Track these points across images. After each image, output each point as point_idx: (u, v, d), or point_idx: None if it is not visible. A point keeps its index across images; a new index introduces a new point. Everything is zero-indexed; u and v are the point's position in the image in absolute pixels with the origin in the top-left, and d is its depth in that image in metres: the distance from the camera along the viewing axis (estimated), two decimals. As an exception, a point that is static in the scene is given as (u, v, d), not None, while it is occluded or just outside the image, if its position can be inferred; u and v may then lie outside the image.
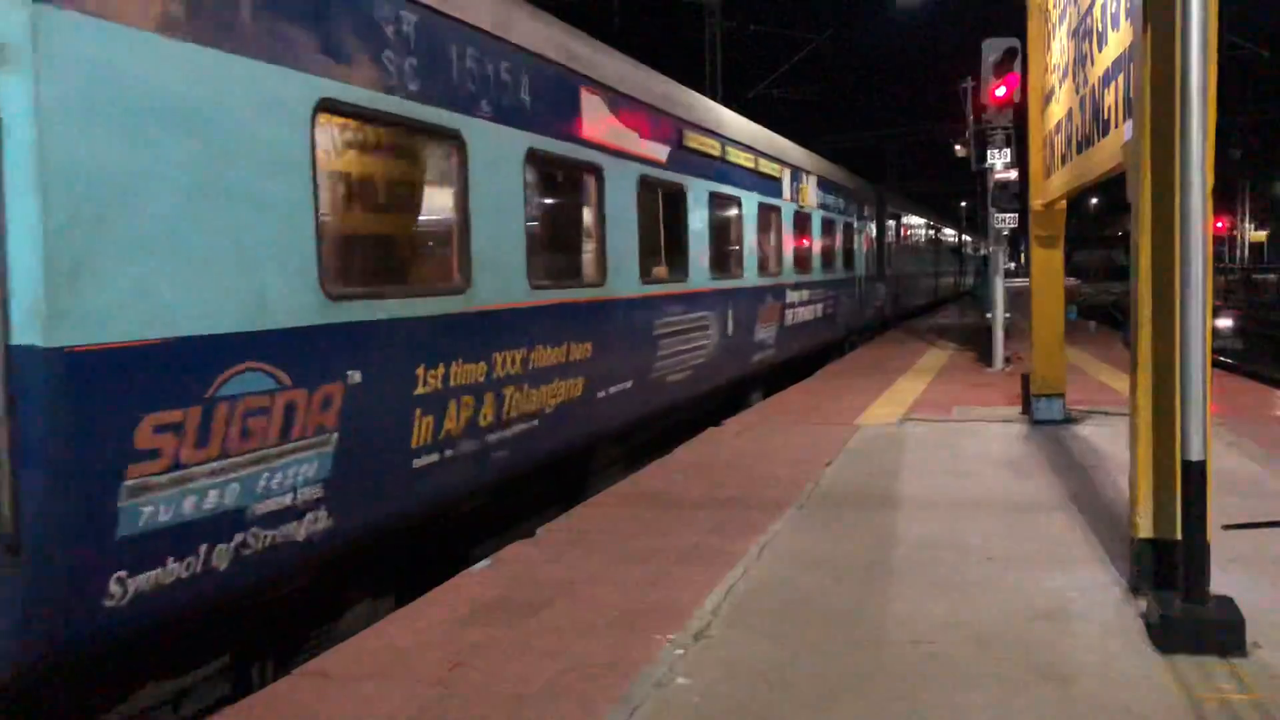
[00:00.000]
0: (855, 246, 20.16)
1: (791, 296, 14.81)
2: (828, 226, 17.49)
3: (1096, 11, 6.03)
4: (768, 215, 13.53)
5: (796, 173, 15.14)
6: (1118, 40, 5.39)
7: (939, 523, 6.31)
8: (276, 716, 3.81)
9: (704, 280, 10.75)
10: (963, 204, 66.09)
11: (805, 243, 15.90)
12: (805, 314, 15.68)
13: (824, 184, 17.17)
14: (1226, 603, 4.31)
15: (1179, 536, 4.43)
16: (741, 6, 29.99)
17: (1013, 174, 14.74)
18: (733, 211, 12.10)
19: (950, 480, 7.54)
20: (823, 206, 16.92)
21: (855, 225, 20.16)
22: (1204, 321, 4.22)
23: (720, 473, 8.00)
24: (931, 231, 36.41)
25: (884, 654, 4.26)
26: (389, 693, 3.98)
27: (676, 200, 10.09)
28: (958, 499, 6.94)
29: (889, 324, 25.00)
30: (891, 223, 25.13)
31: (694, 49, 28.25)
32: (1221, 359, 19.85)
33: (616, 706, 3.80)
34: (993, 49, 13.01)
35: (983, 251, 54.77)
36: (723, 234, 11.68)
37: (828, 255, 17.53)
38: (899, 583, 5.17)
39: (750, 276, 12.58)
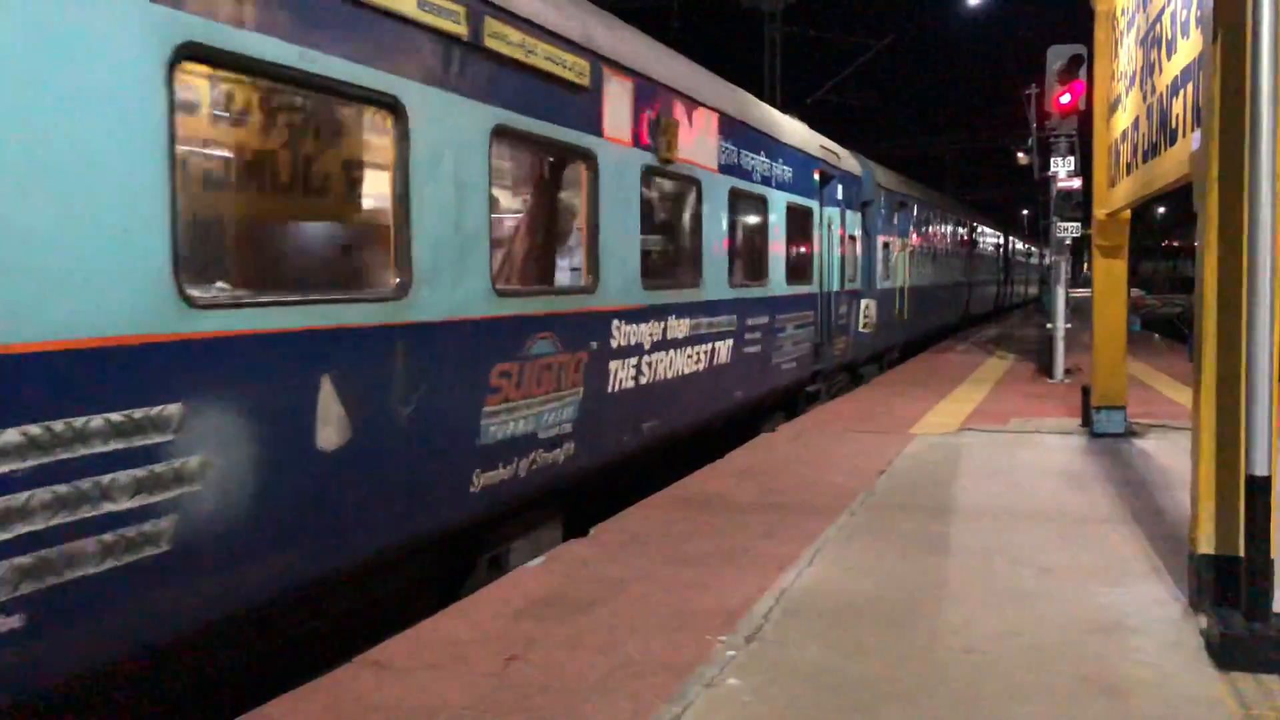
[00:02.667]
0: (821, 246, 13.16)
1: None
2: (746, 210, 10.44)
3: (1165, 19, 5.94)
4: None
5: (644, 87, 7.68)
6: (1187, 48, 5.31)
7: (994, 533, 6.26)
8: (337, 703, 3.92)
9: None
10: (1024, 212, 65.09)
11: (671, 235, 9.12)
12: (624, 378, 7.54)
13: (736, 131, 9.83)
14: (1290, 621, 4.23)
15: (1241, 553, 4.36)
16: (801, 12, 29.82)
17: (1076, 182, 14.52)
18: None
19: (1006, 491, 7.47)
20: (730, 171, 9.66)
21: (820, 215, 13.15)
22: (1271, 335, 4.15)
23: (772, 478, 8.00)
24: (959, 229, 28.59)
25: (936, 662, 4.25)
26: (446, 683, 4.07)
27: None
28: (1014, 510, 6.88)
29: (883, 360, 17.94)
30: (891, 214, 18.25)
31: (753, 55, 28.23)
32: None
33: (668, 704, 3.85)
34: (1058, 56, 12.83)
35: (1034, 257, 52.99)
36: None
37: (752, 257, 10.75)
38: (952, 591, 5.15)
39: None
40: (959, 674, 4.13)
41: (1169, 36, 5.84)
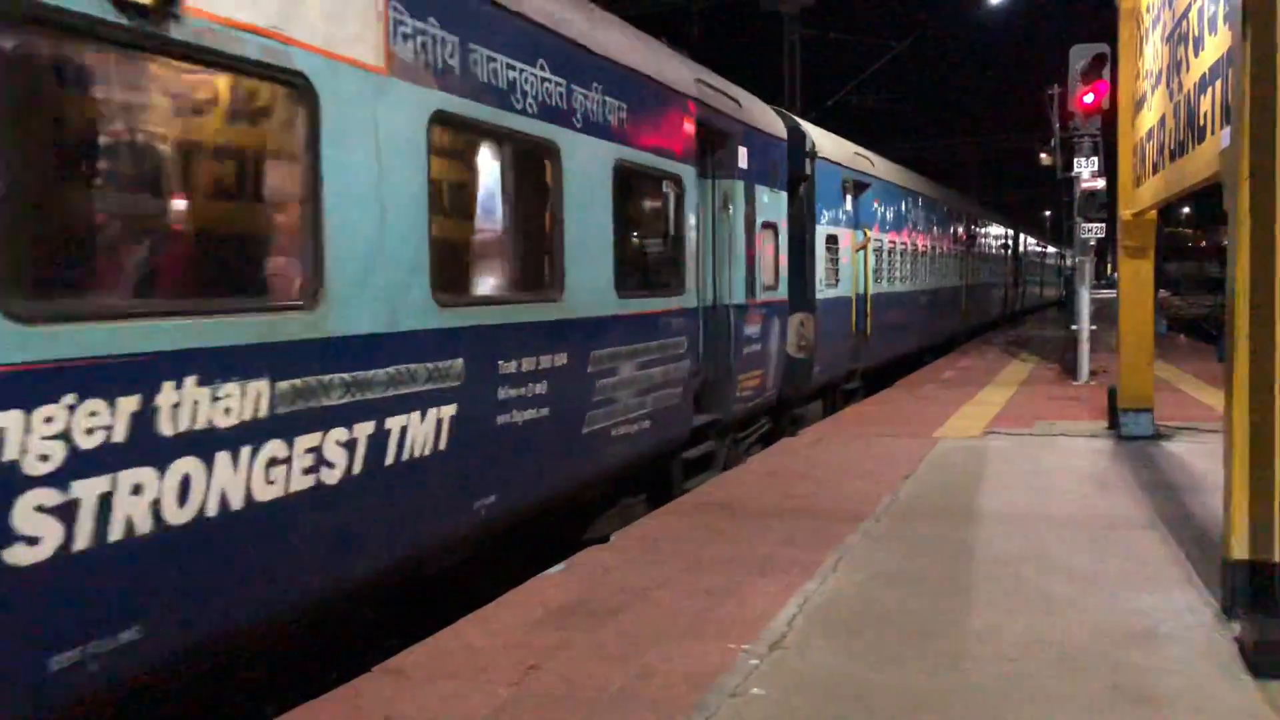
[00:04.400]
0: (699, 236, 8.81)
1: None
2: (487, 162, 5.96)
3: (1193, 16, 5.85)
4: None
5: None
6: (1215, 45, 5.22)
7: (1021, 538, 6.17)
8: (355, 712, 3.89)
9: None
10: (1046, 213, 64.59)
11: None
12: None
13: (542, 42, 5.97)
14: (1327, 629, 4.13)
15: (1277, 558, 4.26)
16: (821, 14, 29.71)
17: (1100, 183, 14.35)
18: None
19: (1032, 495, 7.37)
20: (431, 75, 5.00)
21: (700, 189, 9.00)
22: (1306, 336, 4.06)
23: (794, 483, 7.93)
24: (954, 224, 23.03)
25: (964, 670, 4.18)
26: (466, 692, 4.04)
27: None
28: (1040, 514, 6.78)
29: (833, 394, 13.58)
30: (841, 198, 13.76)
31: (773, 57, 28.15)
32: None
33: (691, 715, 3.79)
34: (1081, 55, 12.70)
35: (1049, 257, 51.32)
36: None
37: (518, 249, 6.24)
38: (979, 598, 5.07)
39: None
40: (987, 683, 4.05)
41: (1196, 33, 5.75)
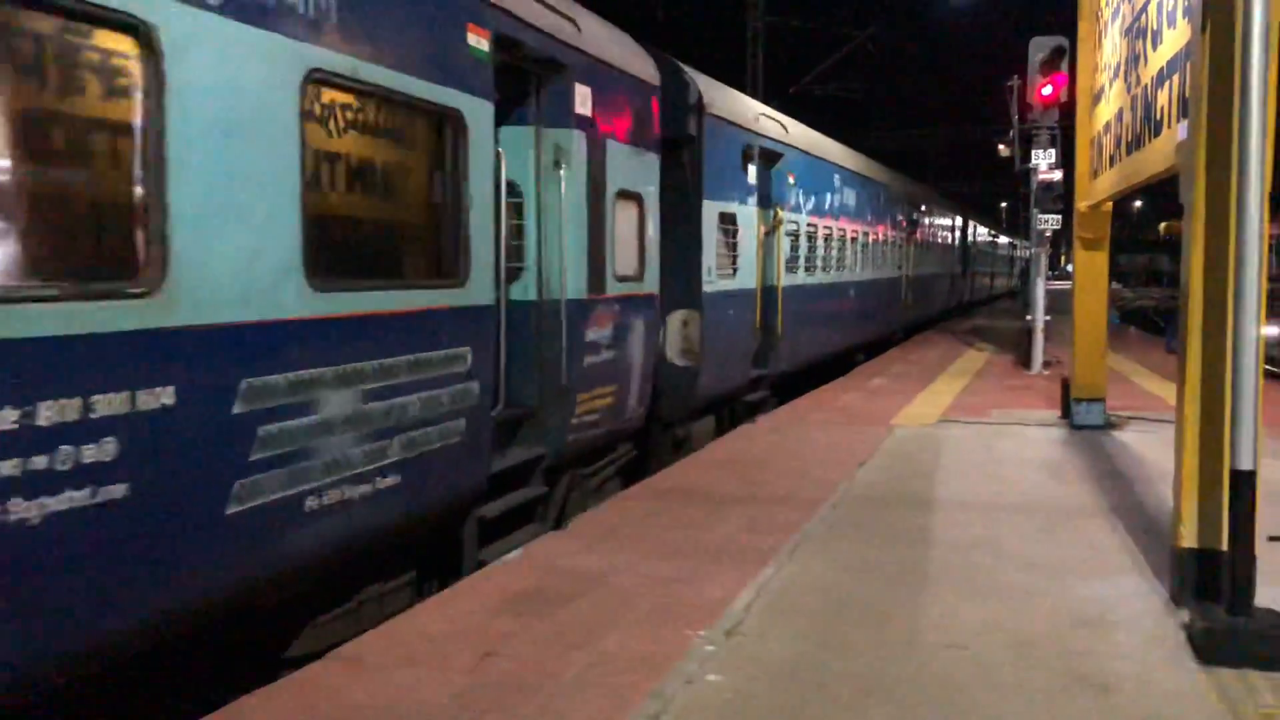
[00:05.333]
0: (475, 201, 5.84)
1: None
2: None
3: (1152, 10, 5.90)
4: None
5: None
6: (1174, 39, 5.27)
7: (975, 526, 6.23)
8: (308, 701, 3.83)
9: None
10: (1003, 205, 65.35)
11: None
12: None
13: None
14: (1272, 616, 4.21)
15: (1224, 547, 4.34)
16: (784, 2, 29.77)
17: (1057, 175, 14.53)
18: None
19: (987, 483, 7.45)
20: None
21: (499, 137, 6.46)
22: (1257, 328, 4.12)
23: (753, 470, 7.95)
24: (892, 207, 20.42)
25: (918, 657, 4.21)
26: (421, 680, 3.99)
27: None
28: (995, 503, 6.85)
29: (730, 407, 11.27)
30: (742, 167, 11.10)
31: (737, 44, 28.15)
32: (1269, 368, 19.41)
33: (647, 701, 3.78)
34: (1040, 47, 12.84)
35: (1001, 247, 50.02)
36: None
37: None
38: (934, 585, 5.11)
39: None
40: (942, 669, 4.08)
41: (1155, 27, 5.80)
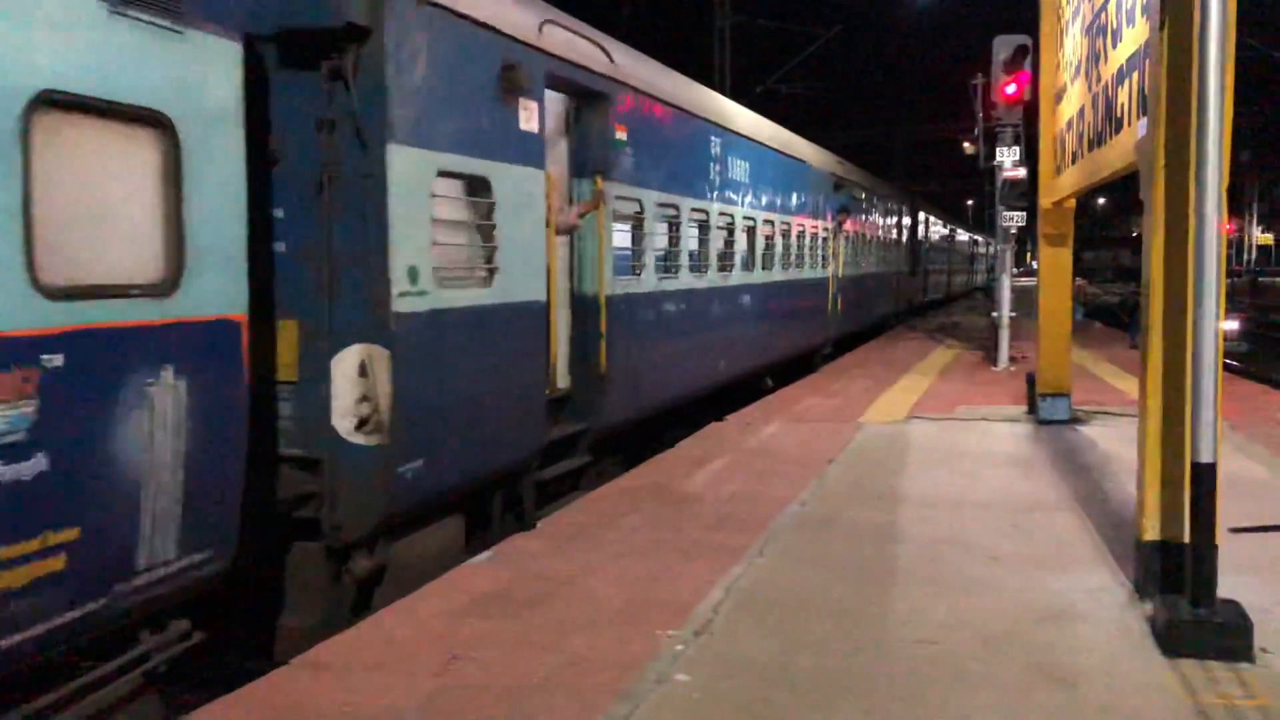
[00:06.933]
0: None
1: None
2: None
3: (1111, 8, 5.96)
4: None
5: None
6: (1133, 36, 5.32)
7: (943, 522, 6.26)
8: (273, 707, 3.77)
9: None
10: (969, 202, 65.89)
11: None
12: None
13: None
14: (1234, 607, 4.26)
15: (1187, 539, 4.38)
16: (751, 1, 29.78)
17: (1021, 172, 14.66)
18: None
19: (954, 479, 7.49)
20: None
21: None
22: (1217, 323, 4.16)
23: (722, 468, 7.95)
24: (814, 195, 16.38)
25: (887, 653, 4.22)
26: (387, 685, 3.94)
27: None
28: (962, 498, 6.89)
29: (513, 485, 6.97)
30: (480, 86, 6.27)
31: (703, 43, 28.17)
32: (1228, 362, 19.65)
33: (616, 702, 3.76)
34: (1004, 46, 12.94)
35: (960, 244, 46.36)
36: None
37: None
38: (902, 582, 5.13)
39: None
40: (909, 665, 4.09)
41: (1114, 25, 5.85)
